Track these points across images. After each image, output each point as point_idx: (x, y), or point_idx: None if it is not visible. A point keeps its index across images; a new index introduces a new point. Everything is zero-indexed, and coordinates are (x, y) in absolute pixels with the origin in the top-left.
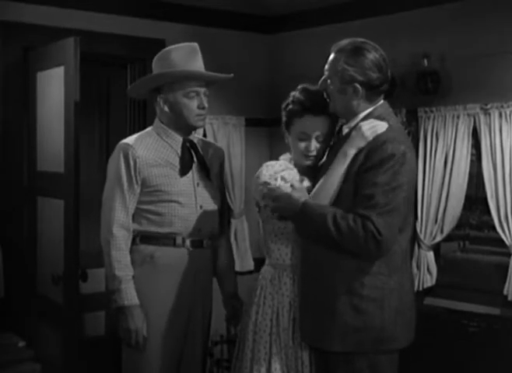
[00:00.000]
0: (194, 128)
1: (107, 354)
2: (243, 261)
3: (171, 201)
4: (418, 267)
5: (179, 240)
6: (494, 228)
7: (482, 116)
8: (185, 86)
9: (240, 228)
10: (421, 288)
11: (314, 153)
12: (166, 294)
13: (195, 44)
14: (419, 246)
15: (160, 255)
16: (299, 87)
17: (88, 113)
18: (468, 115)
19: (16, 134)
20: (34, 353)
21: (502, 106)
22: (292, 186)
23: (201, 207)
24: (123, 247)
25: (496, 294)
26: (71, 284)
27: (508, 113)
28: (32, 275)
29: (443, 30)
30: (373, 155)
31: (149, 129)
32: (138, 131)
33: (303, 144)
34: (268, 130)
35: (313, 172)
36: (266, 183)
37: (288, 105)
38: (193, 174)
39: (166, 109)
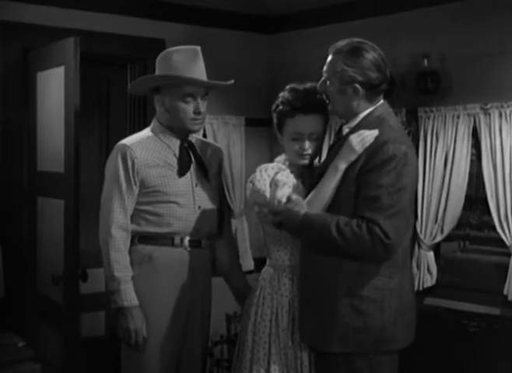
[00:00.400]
0: (190, 132)
1: (107, 354)
2: (243, 261)
3: (169, 202)
4: (418, 267)
5: (177, 240)
6: (494, 228)
7: (482, 116)
8: (182, 90)
9: (240, 228)
10: (421, 288)
11: (309, 152)
12: (165, 294)
13: (198, 48)
14: (419, 246)
15: (158, 255)
16: (288, 87)
17: (88, 113)
18: (468, 115)
19: (16, 134)
20: (34, 353)
21: (502, 106)
22: (289, 199)
23: (199, 207)
24: (122, 248)
25: (496, 294)
26: (71, 284)
27: (508, 113)
28: (32, 275)
29: (443, 30)
30: (375, 156)
31: (146, 129)
32: (138, 131)
33: (297, 144)
34: (268, 130)
35: (310, 170)
36: (260, 193)
37: (278, 106)
38: (191, 175)
39: (163, 110)
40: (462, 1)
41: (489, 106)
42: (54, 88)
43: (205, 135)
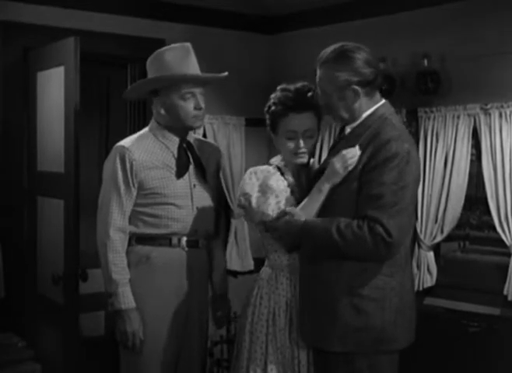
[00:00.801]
0: (192, 129)
1: (107, 354)
2: (244, 261)
3: (168, 204)
4: (418, 267)
5: (175, 240)
6: (494, 228)
7: (482, 116)
8: (180, 88)
9: (240, 228)
10: (421, 288)
11: (304, 150)
12: (163, 294)
13: (188, 44)
14: (419, 246)
15: (156, 255)
16: (279, 87)
17: (88, 113)
18: (468, 115)
19: (16, 134)
20: (34, 353)
21: (502, 106)
22: (285, 213)
23: (197, 208)
24: (120, 250)
25: (496, 294)
26: (71, 284)
27: (508, 113)
28: (32, 275)
29: (443, 30)
30: (378, 154)
31: (145, 130)
32: (138, 131)
33: (291, 143)
34: (268, 130)
35: (306, 169)
36: (247, 196)
37: (270, 107)
38: (189, 176)
39: (162, 111)
40: (462, 1)
41: (489, 106)
42: (54, 88)
43: (205, 135)
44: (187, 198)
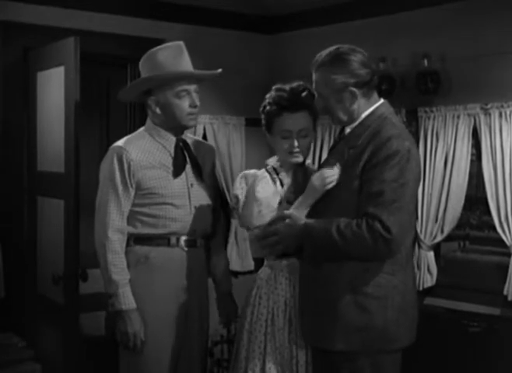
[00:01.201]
0: (187, 127)
1: (107, 354)
2: (244, 261)
3: (165, 203)
4: (418, 267)
5: (173, 240)
6: (494, 228)
7: (482, 116)
8: (175, 86)
9: (240, 228)
10: (421, 288)
11: (299, 149)
12: (162, 294)
13: (181, 43)
14: (419, 246)
15: (155, 255)
16: (274, 87)
17: (88, 113)
18: (468, 115)
19: (16, 134)
20: (34, 353)
21: (502, 106)
22: (285, 216)
23: (195, 207)
24: (119, 250)
25: (496, 294)
26: (72, 284)
27: (508, 113)
28: (32, 275)
29: (443, 30)
30: (379, 152)
31: (141, 130)
32: None
33: (286, 142)
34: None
35: (302, 168)
36: (237, 200)
37: (265, 107)
38: (186, 175)
39: (157, 111)
40: (462, 1)
41: (489, 106)
42: (54, 88)
43: (205, 135)
44: (184, 198)
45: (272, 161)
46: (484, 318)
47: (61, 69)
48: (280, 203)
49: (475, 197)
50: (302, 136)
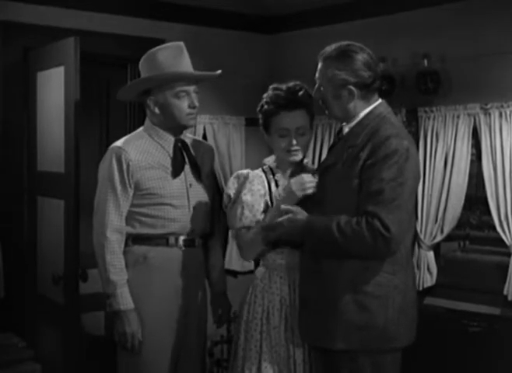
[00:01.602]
0: (186, 128)
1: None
2: (244, 261)
3: (164, 204)
4: (418, 267)
5: (172, 240)
6: (494, 227)
7: (482, 116)
8: (174, 87)
9: None
10: (421, 288)
11: (297, 147)
12: (161, 294)
13: (181, 43)
14: (419, 246)
15: (154, 255)
16: (271, 87)
17: (88, 113)
18: (468, 115)
19: (16, 134)
20: (34, 353)
21: (502, 106)
22: (288, 211)
23: (193, 207)
24: (117, 251)
25: (496, 294)
26: (72, 284)
27: (508, 112)
28: (32, 275)
29: (443, 30)
30: (378, 151)
31: (139, 130)
32: None
33: (284, 141)
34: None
35: (300, 168)
36: (229, 200)
37: (263, 106)
38: (185, 175)
39: (156, 110)
40: (462, 1)
41: (489, 106)
42: (54, 89)
43: (205, 135)
44: (183, 198)
45: (270, 160)
46: (484, 318)
47: (61, 69)
48: (272, 204)
49: (475, 197)
50: (300, 134)
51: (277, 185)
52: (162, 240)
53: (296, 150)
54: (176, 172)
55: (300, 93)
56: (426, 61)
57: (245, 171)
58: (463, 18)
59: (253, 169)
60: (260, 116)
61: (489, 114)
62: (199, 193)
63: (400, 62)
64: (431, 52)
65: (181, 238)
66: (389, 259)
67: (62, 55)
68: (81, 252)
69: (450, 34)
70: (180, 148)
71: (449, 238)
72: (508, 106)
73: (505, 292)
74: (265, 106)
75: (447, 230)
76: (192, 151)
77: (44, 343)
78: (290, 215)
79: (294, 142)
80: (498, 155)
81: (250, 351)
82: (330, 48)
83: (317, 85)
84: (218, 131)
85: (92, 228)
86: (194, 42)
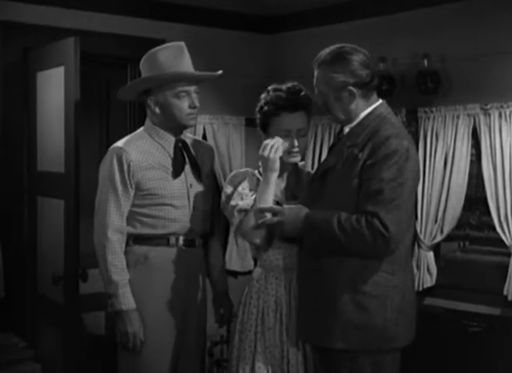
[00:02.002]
0: (186, 128)
1: (107, 354)
2: (244, 261)
3: (165, 204)
4: (418, 267)
5: (172, 240)
6: (494, 228)
7: (481, 116)
8: (175, 87)
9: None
10: (421, 288)
11: (298, 149)
12: (161, 293)
13: (182, 43)
14: (419, 246)
15: (154, 255)
16: (269, 88)
17: (88, 113)
18: (468, 115)
19: (16, 134)
20: (34, 353)
21: (502, 106)
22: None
23: (194, 207)
24: (118, 251)
25: (496, 294)
26: (72, 284)
27: (508, 113)
28: (32, 275)
29: (443, 30)
30: (378, 151)
31: (140, 130)
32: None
33: (285, 142)
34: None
35: (294, 170)
36: (228, 199)
37: (262, 107)
38: (185, 175)
39: (157, 110)
40: (462, 1)
41: (489, 106)
42: (54, 89)
43: (205, 135)
44: (184, 198)
45: None
46: (484, 318)
47: (61, 69)
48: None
49: (475, 197)
50: (301, 135)
51: None
52: (162, 240)
53: (296, 151)
54: (176, 172)
55: (301, 94)
56: (426, 61)
57: (243, 170)
58: (463, 18)
59: (252, 168)
60: (258, 116)
61: (489, 114)
62: (200, 193)
63: (400, 62)
64: (431, 52)
65: (182, 238)
66: (388, 259)
67: (62, 55)
68: (81, 252)
69: (450, 34)
70: (181, 148)
71: (449, 238)
72: (508, 107)
73: (505, 292)
74: (265, 107)
75: (446, 230)
76: (192, 151)
77: (44, 343)
78: (292, 206)
79: (296, 144)
80: (498, 155)
81: (244, 351)
82: (324, 53)
83: (316, 92)
84: (218, 131)
85: (93, 228)
86: (194, 42)
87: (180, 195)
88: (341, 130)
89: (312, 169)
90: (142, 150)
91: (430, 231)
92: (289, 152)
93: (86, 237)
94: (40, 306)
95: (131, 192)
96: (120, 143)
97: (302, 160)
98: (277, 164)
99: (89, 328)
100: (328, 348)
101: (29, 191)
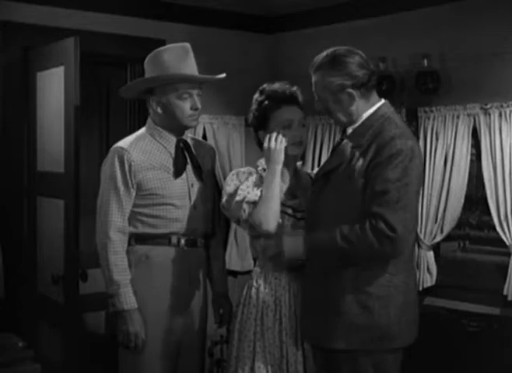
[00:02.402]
0: (188, 128)
1: (107, 354)
2: (244, 261)
3: (166, 204)
4: (418, 267)
5: (174, 240)
6: (494, 227)
7: (481, 116)
8: (178, 88)
9: (240, 228)
10: (421, 288)
11: (301, 139)
12: (162, 293)
13: (187, 44)
14: (419, 246)
15: (156, 254)
16: (261, 88)
17: (88, 113)
18: (468, 115)
19: (16, 133)
20: (34, 353)
21: (502, 106)
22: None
23: (195, 207)
24: (120, 251)
25: (496, 293)
26: (71, 284)
27: (508, 113)
28: (32, 275)
29: (443, 30)
30: (382, 152)
31: (142, 130)
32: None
33: (288, 133)
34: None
35: (292, 170)
36: (228, 197)
37: (262, 103)
38: (187, 175)
39: (159, 110)
40: (462, 1)
41: (489, 106)
42: (54, 88)
43: (205, 135)
44: (185, 198)
45: (263, 162)
46: (484, 318)
47: (61, 69)
48: None
49: (475, 197)
50: (302, 125)
51: None
52: (164, 240)
53: (299, 142)
54: (178, 172)
55: (294, 89)
56: (426, 61)
57: (244, 168)
58: (463, 18)
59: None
60: (255, 114)
61: (489, 114)
62: (201, 193)
63: (400, 62)
64: (431, 52)
65: (183, 238)
66: (392, 260)
67: (62, 55)
68: (81, 252)
69: (450, 34)
70: (182, 148)
71: (449, 238)
72: (508, 106)
73: (505, 292)
74: (265, 102)
75: (446, 230)
76: (194, 151)
77: (44, 343)
78: (290, 236)
79: (299, 133)
80: (498, 155)
81: (243, 351)
82: (318, 58)
83: (316, 98)
84: (218, 131)
85: (96, 228)
86: (194, 42)
87: (181, 195)
88: (345, 130)
89: (312, 169)
90: (143, 150)
91: (430, 230)
92: (293, 143)
93: (86, 237)
94: (40, 306)
95: (133, 192)
96: (121, 143)
97: (301, 160)
98: (282, 155)
99: (89, 328)
100: (330, 349)
101: (29, 191)
